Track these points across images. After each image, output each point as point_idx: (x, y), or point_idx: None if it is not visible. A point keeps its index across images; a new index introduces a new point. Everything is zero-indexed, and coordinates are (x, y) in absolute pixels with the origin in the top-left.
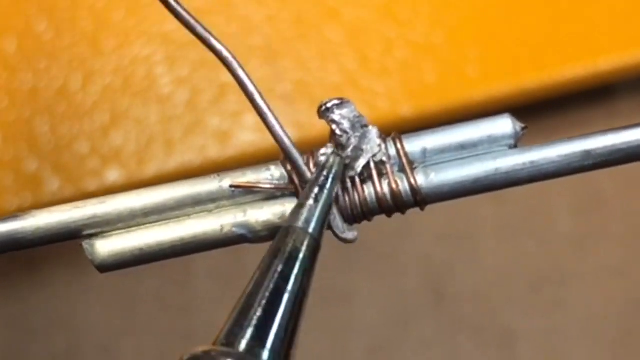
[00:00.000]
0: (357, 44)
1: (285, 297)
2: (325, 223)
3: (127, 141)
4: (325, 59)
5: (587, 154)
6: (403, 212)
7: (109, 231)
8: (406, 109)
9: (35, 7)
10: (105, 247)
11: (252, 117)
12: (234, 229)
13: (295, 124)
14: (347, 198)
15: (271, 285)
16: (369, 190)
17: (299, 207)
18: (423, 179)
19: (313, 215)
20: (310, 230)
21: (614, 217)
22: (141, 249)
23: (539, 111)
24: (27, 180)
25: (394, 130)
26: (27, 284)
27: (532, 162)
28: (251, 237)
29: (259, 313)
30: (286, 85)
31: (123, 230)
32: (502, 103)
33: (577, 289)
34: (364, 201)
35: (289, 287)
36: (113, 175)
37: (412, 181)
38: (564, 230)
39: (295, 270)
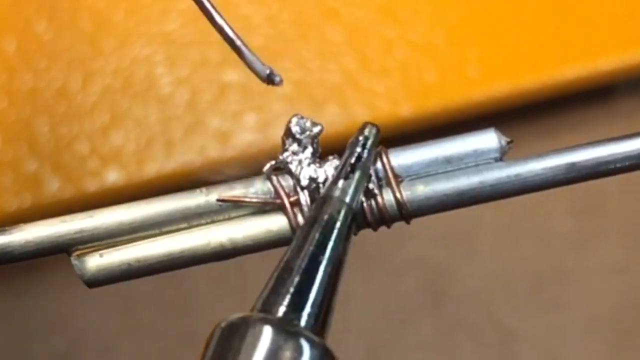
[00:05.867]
0: (357, 44)
1: (322, 265)
2: (361, 192)
3: (127, 141)
4: (325, 59)
5: (572, 166)
6: (389, 226)
7: (98, 246)
8: (406, 109)
9: (35, 7)
10: (94, 262)
11: (252, 117)
12: (221, 244)
13: None
14: None
15: (308, 254)
16: None
17: (337, 177)
18: (409, 193)
19: (349, 184)
20: (347, 199)
21: (614, 217)
22: (129, 264)
23: (539, 111)
24: (26, 181)
25: (394, 131)
26: (27, 285)
27: (517, 175)
28: (238, 251)
29: (296, 281)
30: (286, 85)
31: (112, 246)
32: (502, 103)
33: (577, 289)
34: None
35: (326, 255)
36: (113, 176)
37: (398, 195)
38: (563, 230)
39: (332, 239)
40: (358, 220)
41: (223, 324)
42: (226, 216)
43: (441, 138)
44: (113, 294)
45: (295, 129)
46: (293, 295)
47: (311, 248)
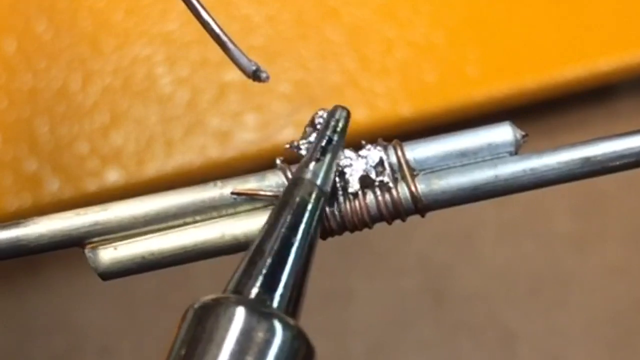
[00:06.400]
0: (357, 44)
1: (294, 247)
2: (332, 175)
3: (127, 141)
4: (325, 59)
5: (587, 160)
6: (404, 220)
7: (111, 239)
8: (406, 109)
9: (35, 7)
10: (108, 255)
11: (252, 117)
12: (235, 237)
13: (295, 124)
14: (347, 205)
15: (280, 236)
16: (369, 197)
17: (307, 159)
18: (423, 186)
19: (321, 167)
20: (318, 182)
21: (615, 218)
22: (143, 257)
23: (539, 111)
24: (26, 181)
25: (394, 131)
26: (27, 284)
27: (532, 169)
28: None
29: (268, 262)
30: (286, 85)
31: (125, 239)
32: (502, 103)
33: (578, 290)
34: (364, 208)
35: (297, 237)
36: (113, 176)
37: (413, 188)
38: (564, 230)
39: (303, 221)
40: (373, 213)
41: (196, 305)
42: (240, 209)
43: (456, 131)
44: (113, 293)
45: (318, 120)
46: (265, 276)
47: (283, 230)
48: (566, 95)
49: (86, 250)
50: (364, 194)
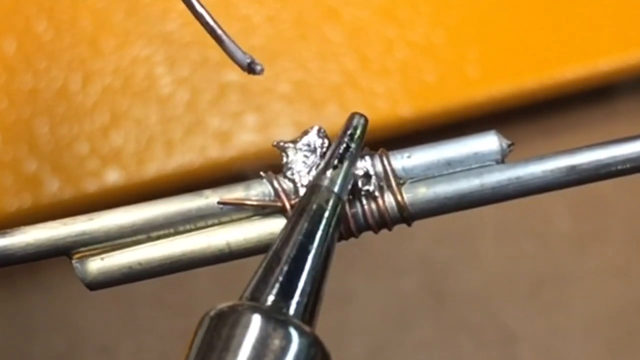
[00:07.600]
0: (357, 44)
1: (311, 254)
2: (349, 182)
3: (127, 141)
4: (325, 59)
5: (572, 169)
6: (390, 229)
7: (99, 249)
8: (406, 109)
9: (35, 7)
10: (95, 265)
11: (252, 117)
12: (221, 246)
13: (295, 124)
14: None
15: (297, 243)
16: (355, 207)
17: (325, 166)
18: (410, 195)
19: (338, 174)
20: (335, 189)
21: (615, 217)
22: (131, 267)
23: (539, 111)
24: (26, 181)
25: (394, 131)
26: (27, 284)
27: (517, 178)
28: (239, 254)
29: (284, 270)
30: (286, 85)
31: (113, 249)
32: (502, 103)
33: (578, 290)
34: (351, 218)
35: (314, 244)
36: (113, 176)
37: (399, 198)
38: (564, 230)
39: (320, 228)
40: (359, 222)
41: (212, 313)
42: (227, 219)
43: (442, 140)
44: (113, 294)
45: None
46: (282, 284)
47: (300, 237)
48: (566, 95)
49: (74, 261)
50: (350, 203)
